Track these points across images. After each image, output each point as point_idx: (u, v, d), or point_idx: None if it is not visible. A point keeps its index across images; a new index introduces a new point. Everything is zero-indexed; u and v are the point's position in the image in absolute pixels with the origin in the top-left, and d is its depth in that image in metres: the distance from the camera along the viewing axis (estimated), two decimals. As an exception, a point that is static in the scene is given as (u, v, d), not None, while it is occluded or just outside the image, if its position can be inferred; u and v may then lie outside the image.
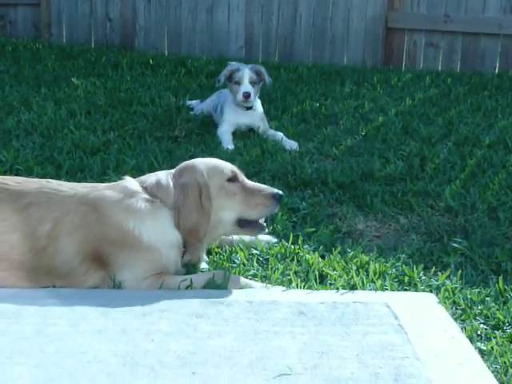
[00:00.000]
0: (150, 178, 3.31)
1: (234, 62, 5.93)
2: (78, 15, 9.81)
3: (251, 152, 5.13)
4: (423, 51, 8.98)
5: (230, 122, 5.64)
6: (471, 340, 2.78)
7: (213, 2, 9.39)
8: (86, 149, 5.02)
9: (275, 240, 3.68)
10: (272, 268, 3.37)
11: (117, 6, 9.68)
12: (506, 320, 2.96)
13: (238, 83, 5.57)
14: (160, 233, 3.15)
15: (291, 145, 5.31)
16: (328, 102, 6.80)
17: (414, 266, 3.41)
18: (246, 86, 5.55)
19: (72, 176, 4.44)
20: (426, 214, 4.12)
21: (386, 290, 3.19)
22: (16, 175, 4.00)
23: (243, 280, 3.17)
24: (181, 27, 9.53)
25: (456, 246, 3.67)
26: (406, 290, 3.23)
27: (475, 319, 2.98)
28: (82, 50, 9.15)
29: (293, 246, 3.59)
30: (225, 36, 9.42)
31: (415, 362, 2.54)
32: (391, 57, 9.06)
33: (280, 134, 5.52)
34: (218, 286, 3.11)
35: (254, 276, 3.30)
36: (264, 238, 3.65)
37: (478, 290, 3.23)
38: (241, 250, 3.52)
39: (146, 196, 3.19)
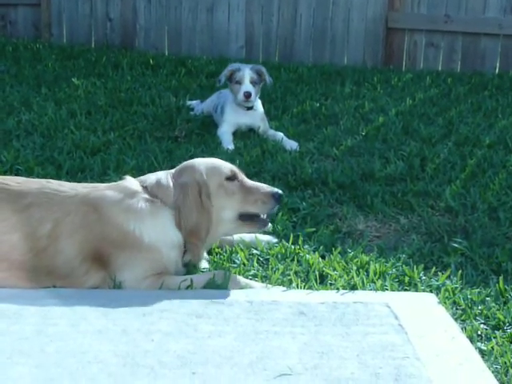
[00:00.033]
0: (150, 177, 3.32)
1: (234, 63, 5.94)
2: (79, 15, 9.81)
3: (251, 152, 5.13)
4: (423, 51, 8.98)
5: (230, 122, 5.64)
6: (471, 340, 2.78)
7: (213, 1, 9.39)
8: (87, 149, 5.02)
9: (275, 240, 3.68)
10: (272, 268, 3.37)
11: (117, 6, 9.68)
12: (506, 320, 2.96)
13: (239, 83, 5.57)
14: (160, 233, 3.15)
15: (291, 145, 5.31)
16: (328, 102, 6.80)
17: (415, 266, 3.41)
18: (247, 86, 5.55)
19: (72, 176, 4.44)
20: (426, 214, 4.12)
21: (387, 290, 3.19)
22: (16, 175, 4.00)
23: (243, 280, 3.17)
24: (181, 27, 9.54)
25: (456, 246, 3.67)
26: (406, 290, 3.23)
27: (475, 319, 2.98)
28: (83, 50, 9.16)
29: (293, 246, 3.59)
30: (225, 36, 9.43)
31: (415, 362, 2.54)
32: (391, 57, 9.06)
33: (280, 134, 5.52)
34: (218, 286, 3.11)
35: (255, 276, 3.30)
36: (264, 238, 3.66)
37: (479, 290, 3.23)
38: (241, 250, 3.52)
39: (147, 196, 3.20)
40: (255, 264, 3.42)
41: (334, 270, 3.37)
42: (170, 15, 9.54)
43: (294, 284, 3.21)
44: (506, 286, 3.24)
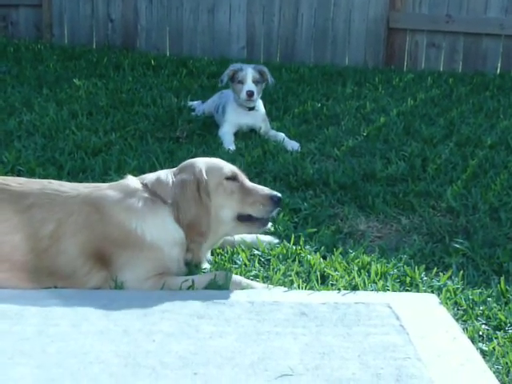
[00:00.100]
0: (151, 175, 3.34)
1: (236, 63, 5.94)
2: (80, 16, 9.81)
3: (253, 153, 5.13)
4: (425, 51, 8.98)
5: (231, 122, 5.64)
6: (473, 341, 2.78)
7: (214, 2, 9.39)
8: (88, 150, 5.03)
9: (277, 241, 3.68)
10: (273, 269, 3.37)
11: (118, 6, 9.68)
12: (507, 320, 2.96)
13: (242, 82, 5.57)
14: (162, 230, 3.15)
15: (293, 145, 5.31)
16: (329, 102, 6.80)
17: (416, 267, 3.41)
18: (250, 85, 5.55)
19: (74, 177, 4.44)
20: (427, 214, 4.12)
21: (388, 290, 3.19)
22: (18, 176, 4.00)
23: (245, 281, 3.17)
24: (182, 28, 9.54)
25: (458, 246, 3.67)
26: (407, 290, 3.23)
27: (477, 320, 2.98)
28: (84, 51, 9.16)
29: (294, 247, 3.59)
30: (226, 36, 9.43)
31: (417, 362, 2.54)
32: (393, 57, 9.05)
33: (281, 135, 5.52)
34: (219, 287, 3.11)
35: (256, 277, 3.30)
36: (265, 238, 3.66)
37: (480, 290, 3.23)
38: (242, 250, 3.52)
39: (147, 194, 3.20)
40: (256, 264, 3.42)
41: (336, 270, 3.37)
42: (172, 16, 9.54)
43: (295, 284, 3.21)
44: (508, 287, 3.24)
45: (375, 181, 4.59)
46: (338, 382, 2.41)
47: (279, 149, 5.23)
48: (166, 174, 3.30)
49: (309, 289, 3.18)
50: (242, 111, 5.68)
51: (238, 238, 3.58)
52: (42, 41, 9.76)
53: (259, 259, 3.49)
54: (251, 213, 3.29)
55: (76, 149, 5.04)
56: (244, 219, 3.31)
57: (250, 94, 5.52)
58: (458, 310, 3.07)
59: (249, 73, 5.59)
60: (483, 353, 2.71)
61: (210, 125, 5.87)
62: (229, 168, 3.34)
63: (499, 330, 2.91)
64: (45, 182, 3.31)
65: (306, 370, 2.47)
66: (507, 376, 2.58)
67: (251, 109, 5.68)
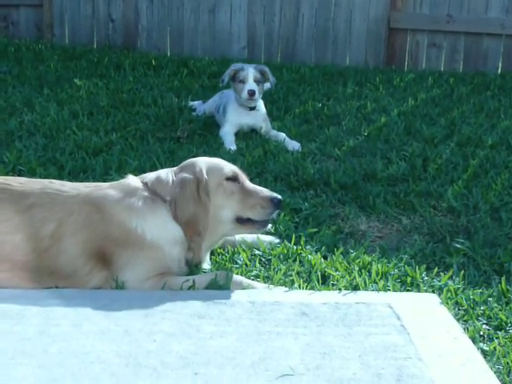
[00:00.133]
0: (151, 174, 3.34)
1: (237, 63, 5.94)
2: (81, 16, 9.82)
3: (253, 153, 5.13)
4: (426, 51, 8.98)
5: (232, 122, 5.64)
6: (474, 340, 2.78)
7: (215, 2, 9.39)
8: (89, 150, 5.03)
9: (277, 240, 3.68)
10: (274, 269, 3.37)
11: (119, 6, 9.68)
12: (508, 320, 2.96)
13: (243, 82, 5.57)
14: (162, 229, 3.15)
15: (293, 145, 5.31)
16: (330, 102, 6.80)
17: (417, 267, 3.41)
18: (251, 84, 5.55)
19: (74, 177, 4.44)
20: (428, 214, 4.12)
21: (389, 290, 3.19)
22: (19, 176, 4.00)
23: (245, 281, 3.17)
24: (183, 28, 9.54)
25: (458, 246, 3.67)
26: (408, 290, 3.23)
27: (478, 320, 2.98)
28: (85, 51, 9.16)
29: (295, 247, 3.59)
30: (227, 36, 9.43)
31: (418, 362, 2.54)
32: (394, 57, 9.05)
33: (282, 135, 5.53)
34: (220, 287, 3.11)
35: (257, 277, 3.31)
36: (266, 238, 3.66)
37: (481, 290, 3.23)
38: (243, 250, 3.52)
39: (146, 193, 3.20)
40: (257, 264, 3.42)
41: (336, 270, 3.37)
42: (172, 16, 9.55)
43: (296, 284, 3.21)
44: (509, 287, 3.24)
45: (376, 181, 4.59)
46: (338, 382, 2.41)
47: (280, 149, 5.23)
48: (166, 173, 3.30)
49: (310, 289, 3.18)
50: (242, 111, 5.68)
51: (238, 237, 3.58)
52: (42, 41, 9.76)
53: (260, 259, 3.50)
54: (251, 216, 3.29)
55: (77, 149, 5.04)
56: (243, 221, 3.31)
57: (252, 93, 5.52)
58: (458, 309, 3.07)
59: (250, 72, 5.59)
60: (484, 353, 2.71)
61: (211, 125, 5.87)
62: (230, 168, 3.33)
63: (500, 330, 2.91)
64: (46, 181, 3.31)
65: (307, 370, 2.47)
66: (508, 376, 2.58)
67: (252, 109, 5.68)
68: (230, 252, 3.53)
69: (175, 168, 3.37)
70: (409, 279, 3.31)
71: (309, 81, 7.79)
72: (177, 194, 3.19)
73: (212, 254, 3.50)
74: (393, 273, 3.36)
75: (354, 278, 3.27)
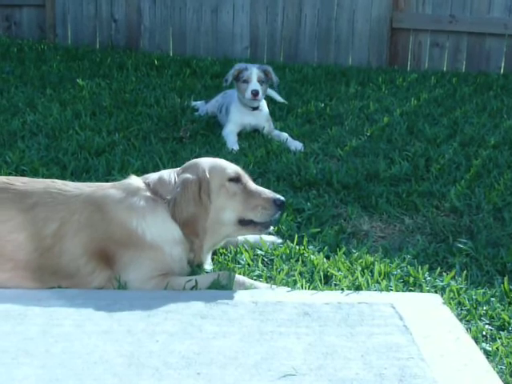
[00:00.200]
0: (154, 174, 3.33)
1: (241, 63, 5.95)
2: (83, 16, 9.83)
3: (256, 153, 5.13)
4: (428, 51, 8.98)
5: (235, 122, 5.64)
6: (476, 341, 2.78)
7: (217, 2, 9.40)
8: (91, 150, 5.03)
9: (280, 240, 3.68)
10: (277, 269, 3.37)
11: (122, 6, 9.69)
12: (511, 321, 2.96)
13: (246, 82, 5.58)
14: (162, 229, 3.15)
15: (296, 145, 5.31)
16: (333, 102, 6.80)
17: (419, 267, 3.41)
18: (255, 84, 5.55)
19: (77, 177, 4.45)
20: (431, 214, 4.12)
21: (391, 290, 3.18)
22: (21, 176, 4.00)
23: (248, 281, 3.17)
24: (186, 28, 9.54)
25: (461, 246, 3.67)
26: (411, 290, 3.23)
27: (480, 320, 2.98)
28: (87, 51, 9.17)
29: (298, 247, 3.59)
30: (230, 37, 9.43)
31: (420, 362, 2.54)
32: (396, 57, 9.06)
33: (285, 135, 5.53)
34: (223, 287, 3.11)
35: (259, 277, 3.31)
36: (269, 238, 3.66)
37: (483, 290, 3.22)
38: (246, 250, 3.52)
39: (148, 193, 3.20)
40: (260, 264, 3.42)
41: (339, 270, 3.37)
42: (175, 16, 9.55)
43: (298, 284, 3.20)
44: (511, 287, 3.24)
45: (378, 181, 4.59)
46: (341, 381, 2.41)
47: (282, 149, 5.23)
48: (168, 174, 3.30)
49: (312, 289, 3.18)
50: (245, 111, 5.68)
51: (241, 237, 3.58)
52: (45, 41, 9.78)
53: (262, 259, 3.49)
54: (253, 218, 3.27)
55: (79, 149, 5.05)
56: (245, 223, 3.30)
57: (255, 93, 5.53)
58: (461, 309, 3.07)
59: (254, 72, 5.59)
60: (487, 353, 2.71)
61: (214, 125, 5.87)
62: (232, 169, 3.32)
63: (503, 330, 2.91)
64: (48, 181, 3.31)
65: (310, 370, 2.47)
66: (511, 376, 2.58)
67: (255, 108, 5.69)
68: (233, 252, 3.53)
69: (178, 169, 3.36)
70: (411, 279, 3.30)
71: (311, 81, 7.79)
72: (177, 194, 3.18)
73: (214, 253, 3.50)
74: (395, 273, 3.36)
75: (357, 278, 3.27)
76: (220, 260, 3.47)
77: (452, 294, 3.16)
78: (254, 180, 3.50)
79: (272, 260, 3.49)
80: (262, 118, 5.72)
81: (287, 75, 7.97)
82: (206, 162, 3.35)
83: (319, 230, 3.84)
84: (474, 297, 3.14)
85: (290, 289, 3.15)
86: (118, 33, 9.74)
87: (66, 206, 3.13)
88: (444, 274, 3.39)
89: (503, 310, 3.04)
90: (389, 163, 4.93)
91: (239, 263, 3.44)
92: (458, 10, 8.77)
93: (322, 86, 7.51)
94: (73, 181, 3.75)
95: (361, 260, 3.47)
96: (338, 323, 2.81)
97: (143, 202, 3.16)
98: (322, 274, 3.31)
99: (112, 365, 2.47)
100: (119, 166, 4.68)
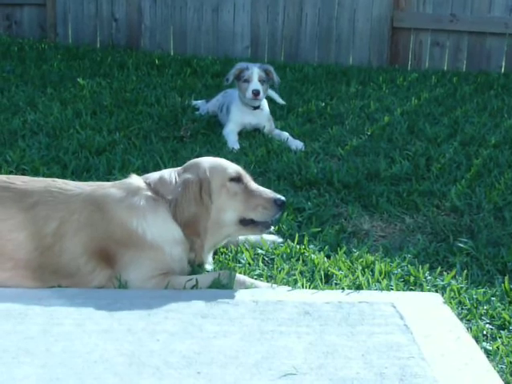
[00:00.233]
0: (154, 174, 3.33)
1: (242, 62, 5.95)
2: (84, 15, 9.83)
3: (257, 152, 5.13)
4: (429, 51, 8.99)
5: (236, 121, 5.64)
6: (477, 340, 2.78)
7: (218, 1, 9.40)
8: (92, 149, 5.03)
9: (281, 240, 3.68)
10: (277, 268, 3.37)
11: (122, 6, 9.69)
12: (511, 320, 2.96)
13: (247, 81, 5.57)
14: (162, 229, 3.14)
15: (297, 145, 5.31)
16: (334, 101, 6.80)
17: (420, 266, 3.41)
18: (256, 84, 5.55)
19: (78, 176, 4.45)
20: (431, 213, 4.12)
21: (392, 289, 3.18)
22: (22, 175, 4.00)
23: (249, 280, 3.16)
24: (186, 27, 9.55)
25: (462, 245, 3.67)
26: (411, 289, 3.23)
27: (481, 319, 2.98)
28: (88, 51, 9.18)
29: (298, 246, 3.59)
30: (230, 36, 9.43)
31: (421, 361, 2.54)
32: (397, 56, 9.06)
33: (285, 134, 5.53)
34: (223, 286, 3.11)
35: (260, 276, 3.30)
36: (269, 237, 3.65)
37: (484, 289, 3.22)
38: (246, 249, 3.52)
39: (149, 193, 3.19)
40: (260, 264, 3.42)
41: (340, 269, 3.37)
42: (176, 15, 9.55)
43: (299, 284, 3.20)
44: (512, 286, 3.24)
45: (379, 180, 4.59)
46: (341, 381, 2.41)
47: (283, 148, 5.23)
48: (169, 173, 3.29)
49: (313, 288, 3.18)
50: (246, 110, 5.68)
51: (241, 237, 3.58)
52: (46, 40, 9.79)
53: (263, 258, 3.50)
54: (253, 217, 3.27)
55: (80, 148, 5.05)
56: (246, 223, 3.30)
57: (256, 92, 5.53)
58: (462, 309, 3.06)
59: (255, 72, 5.59)
60: (487, 352, 2.71)
61: (214, 124, 5.87)
62: (233, 169, 3.32)
63: (503, 330, 2.91)
64: (49, 180, 3.31)
65: (310, 369, 2.47)
66: (511, 375, 2.58)
67: (256, 108, 5.69)
68: (233, 251, 3.53)
69: (179, 168, 3.36)
70: (412, 278, 3.30)
71: (312, 80, 7.79)
72: (178, 194, 3.18)
73: (215, 253, 3.50)
74: (396, 272, 3.36)
75: (357, 277, 3.27)
76: (221, 259, 3.47)
77: (452, 294, 3.16)
78: (255, 179, 3.50)
79: (273, 259, 3.49)
80: (262, 117, 5.72)
81: (288, 74, 7.97)
82: (206, 161, 3.34)
83: (320, 229, 3.84)
84: (474, 296, 3.14)
85: (290, 288, 3.15)
86: (119, 32, 9.75)
87: (66, 205, 3.13)
88: (444, 273, 3.39)
89: (504, 310, 3.04)
90: (389, 162, 4.93)
91: (240, 262, 3.44)
92: (459, 9, 8.77)
93: (322, 86, 7.52)
94: (73, 180, 3.75)
95: (361, 259, 3.47)
96: (338, 322, 2.81)
97: (144, 202, 3.15)
98: (322, 273, 3.31)
99: (112, 364, 2.47)
100: (120, 165, 4.68)
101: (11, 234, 3.08)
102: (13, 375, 2.38)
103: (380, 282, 3.23)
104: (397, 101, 6.86)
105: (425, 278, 3.32)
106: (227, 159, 3.49)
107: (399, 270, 3.38)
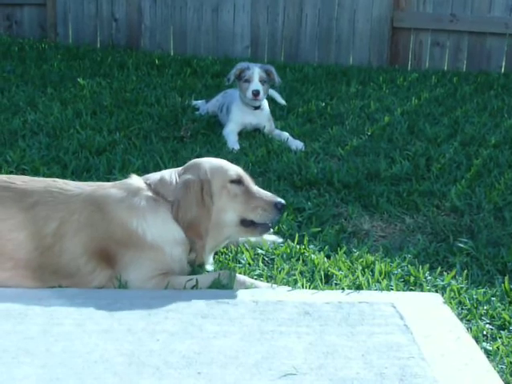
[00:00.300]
0: (155, 175, 3.33)
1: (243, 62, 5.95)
2: (84, 15, 9.83)
3: (257, 152, 5.13)
4: (429, 51, 8.99)
5: (237, 121, 5.63)
6: (477, 340, 2.78)
7: (218, 2, 9.40)
8: (92, 149, 5.03)
9: (281, 240, 3.68)
10: (277, 268, 3.37)
11: (122, 6, 9.69)
12: (511, 320, 2.96)
13: (248, 81, 5.57)
14: (162, 230, 3.14)
15: (297, 145, 5.31)
16: (334, 101, 6.80)
17: (420, 266, 3.41)
18: (256, 84, 5.55)
19: (78, 176, 4.45)
20: (431, 213, 4.12)
21: (392, 290, 3.18)
22: (22, 175, 4.00)
23: (249, 280, 3.16)
24: (186, 27, 9.55)
25: (462, 246, 3.67)
26: (411, 290, 3.23)
27: (481, 319, 2.98)
28: (88, 50, 9.18)
29: (298, 246, 3.59)
30: (230, 36, 9.43)
31: (421, 362, 2.54)
32: (397, 56, 9.06)
33: (286, 134, 5.52)
34: (223, 286, 3.11)
35: (260, 276, 3.30)
36: (270, 237, 3.65)
37: (484, 290, 3.22)
38: (246, 250, 3.52)
39: (149, 193, 3.19)
40: (260, 264, 3.42)
41: (340, 269, 3.37)
42: (176, 15, 9.55)
43: (299, 284, 3.20)
44: (512, 286, 3.24)
45: (379, 180, 4.59)
46: (341, 381, 2.41)
47: (283, 148, 5.23)
48: (170, 174, 3.29)
49: (313, 288, 3.18)
50: (247, 110, 5.68)
51: (241, 237, 3.58)
52: (46, 40, 9.79)
53: (263, 258, 3.50)
54: (253, 218, 3.26)
55: (80, 148, 5.05)
56: (246, 224, 3.30)
57: (256, 93, 5.53)
58: (462, 309, 3.06)
59: (255, 72, 5.59)
60: (487, 352, 2.71)
61: (214, 124, 5.87)
62: (234, 171, 3.31)
63: (503, 330, 2.91)
64: (49, 180, 3.31)
65: (310, 370, 2.47)
66: (511, 376, 2.58)
67: (256, 108, 5.69)
68: (234, 251, 3.53)
69: (179, 168, 3.36)
70: (412, 279, 3.30)
71: (312, 80, 7.79)
72: (180, 196, 3.17)
73: (216, 253, 3.50)
74: (396, 272, 3.36)
75: (357, 277, 3.27)
76: (221, 259, 3.47)
77: (452, 294, 3.16)
78: (255, 179, 3.49)
79: (273, 259, 3.49)
80: (263, 117, 5.72)
81: (288, 75, 7.97)
82: (207, 162, 3.34)
83: (320, 229, 3.84)
84: (474, 296, 3.14)
85: (290, 288, 3.15)
86: (119, 32, 9.75)
87: (66, 205, 3.13)
88: (444, 273, 3.39)
89: (504, 310, 3.04)
90: (389, 162, 4.93)
91: (240, 262, 3.44)
92: (459, 9, 8.77)
93: (322, 86, 7.52)
94: (73, 180, 3.75)
95: (361, 259, 3.47)
96: (338, 322, 2.81)
97: (144, 202, 3.15)
98: (322, 273, 3.31)
99: (112, 364, 2.47)
100: (120, 165, 4.68)
101: (11, 233, 3.08)
102: (13, 375, 2.38)
103: (380, 282, 3.23)
104: (397, 101, 6.86)
105: (425, 278, 3.32)
106: (227, 159, 3.49)
107: (399, 270, 3.38)
